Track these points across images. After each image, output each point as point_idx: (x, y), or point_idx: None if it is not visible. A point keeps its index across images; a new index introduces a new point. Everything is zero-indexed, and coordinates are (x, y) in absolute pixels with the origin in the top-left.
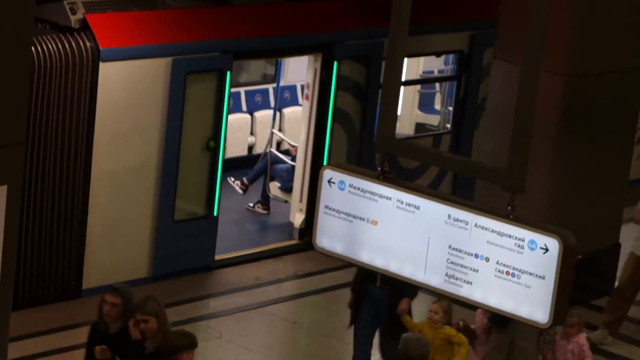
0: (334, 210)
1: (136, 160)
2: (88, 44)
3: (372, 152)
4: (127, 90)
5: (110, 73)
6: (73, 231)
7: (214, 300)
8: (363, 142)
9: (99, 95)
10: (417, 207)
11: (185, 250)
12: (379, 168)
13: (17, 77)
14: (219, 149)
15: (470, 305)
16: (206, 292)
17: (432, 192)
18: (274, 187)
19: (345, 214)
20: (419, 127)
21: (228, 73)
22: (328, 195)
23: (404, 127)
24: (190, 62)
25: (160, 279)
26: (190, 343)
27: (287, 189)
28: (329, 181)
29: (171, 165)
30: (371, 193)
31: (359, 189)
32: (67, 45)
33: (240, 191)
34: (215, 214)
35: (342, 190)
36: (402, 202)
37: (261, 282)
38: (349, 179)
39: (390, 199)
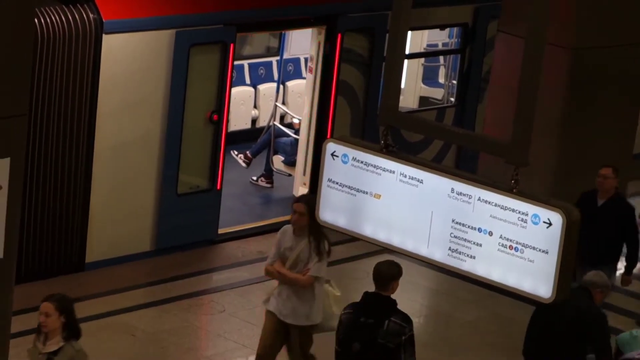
0: (337, 183)
1: (139, 133)
2: (91, 15)
3: (375, 126)
4: (130, 62)
5: (113, 45)
6: (76, 204)
7: (217, 274)
8: (367, 116)
9: (102, 67)
10: (421, 181)
11: (188, 223)
12: (382, 141)
13: (20, 48)
14: (222, 122)
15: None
16: (209, 266)
17: (435, 165)
18: (278, 161)
19: (349, 187)
20: (423, 100)
21: (231, 45)
22: (331, 168)
23: (408, 100)
24: (193, 34)
25: (163, 253)
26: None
27: (290, 162)
28: (332, 154)
29: (174, 138)
30: (374, 166)
31: (362, 162)
32: (70, 17)
33: (243, 164)
34: (218, 187)
35: (345, 163)
36: (405, 176)
37: (264, 256)
38: (352, 152)
39: (393, 172)
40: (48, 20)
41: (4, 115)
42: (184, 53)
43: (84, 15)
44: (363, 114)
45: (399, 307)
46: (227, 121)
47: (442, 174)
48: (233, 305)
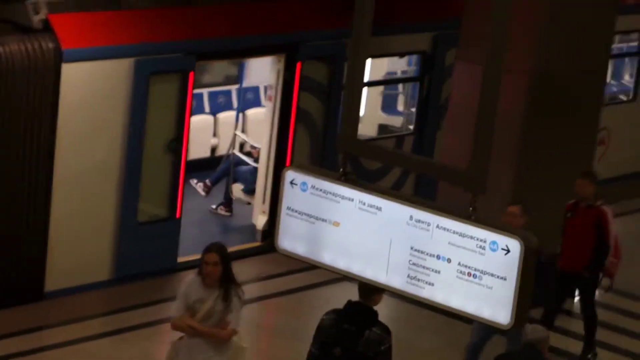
0: (296, 211)
1: (99, 160)
2: (50, 44)
3: (335, 154)
4: (90, 91)
5: (72, 74)
6: (35, 233)
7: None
8: (326, 144)
9: (62, 95)
10: (379, 208)
11: (148, 251)
12: (341, 169)
13: None
14: (181, 151)
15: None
16: (169, 295)
17: (394, 193)
18: (237, 189)
19: (308, 215)
20: (382, 128)
21: (191, 74)
22: (290, 196)
23: (367, 128)
24: (152, 62)
25: (123, 281)
26: None
27: (250, 190)
28: (292, 182)
29: (134, 166)
30: (333, 194)
31: (321, 190)
32: (29, 46)
33: (202, 193)
34: (178, 215)
35: (304, 191)
36: (364, 203)
37: None
38: (311, 180)
39: (352, 200)
40: (8, 49)
41: None
42: (143, 81)
43: (43, 45)
44: (322, 142)
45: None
46: (187, 149)
47: (401, 201)
48: None
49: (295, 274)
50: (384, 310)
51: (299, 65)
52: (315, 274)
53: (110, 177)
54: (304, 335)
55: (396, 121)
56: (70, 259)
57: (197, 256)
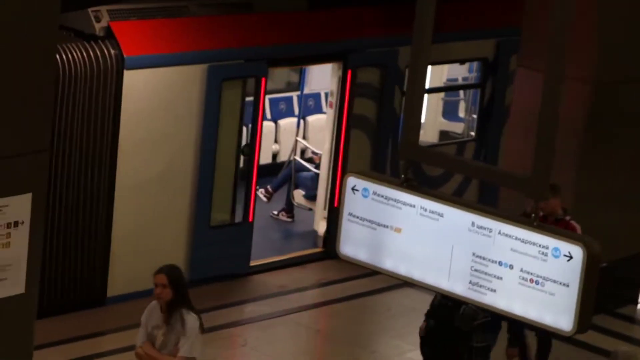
0: (357, 217)
1: (163, 166)
2: (112, 51)
3: (394, 160)
4: (152, 97)
5: (134, 81)
6: (98, 239)
7: (239, 308)
8: (386, 150)
9: (124, 102)
10: (441, 215)
11: (221, 256)
12: (403, 175)
13: (41, 85)
14: (254, 156)
15: None
16: (231, 300)
17: (455, 199)
18: (298, 195)
19: (369, 221)
20: (443, 134)
21: (263, 80)
22: (352, 202)
23: (428, 134)
24: (226, 68)
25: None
26: None
27: (311, 196)
28: (353, 188)
29: (208, 171)
30: (395, 200)
31: (382, 196)
32: (91, 53)
33: (264, 199)
34: (250, 219)
35: (365, 197)
36: (426, 210)
37: (286, 290)
38: (373, 186)
39: (414, 206)
40: (70, 56)
41: (25, 151)
42: (216, 87)
43: (105, 52)
44: (383, 148)
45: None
46: (259, 154)
47: (463, 207)
48: (254, 339)
49: (356, 280)
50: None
51: (349, 73)
52: (376, 280)
53: (183, 182)
54: (364, 341)
55: (457, 127)
56: (133, 264)
57: (264, 260)
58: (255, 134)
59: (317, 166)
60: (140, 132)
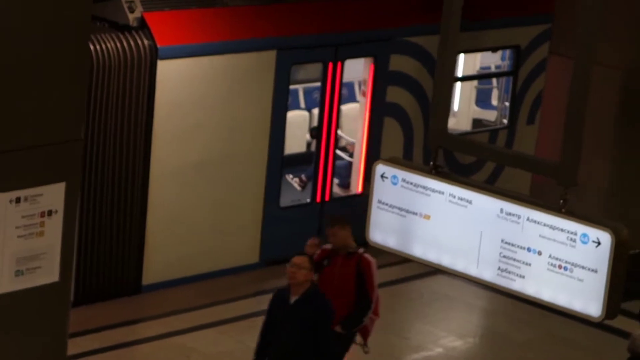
0: (387, 204)
1: (198, 155)
2: (146, 42)
3: (427, 148)
4: (187, 86)
5: (167, 70)
6: (132, 227)
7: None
8: (419, 138)
9: (157, 92)
10: (470, 202)
11: (291, 237)
12: (432, 162)
13: (74, 74)
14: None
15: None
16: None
17: (484, 186)
18: (332, 184)
19: (398, 208)
20: (476, 122)
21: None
22: (381, 189)
23: (461, 122)
24: (295, 54)
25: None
26: None
27: (344, 185)
28: (382, 176)
29: (277, 152)
30: (424, 187)
31: (411, 183)
32: (125, 44)
33: (298, 188)
34: (318, 200)
35: (395, 184)
36: (455, 197)
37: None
38: (402, 174)
39: (442, 193)
40: (104, 46)
41: (59, 140)
42: (285, 72)
43: (139, 42)
44: (416, 135)
45: (452, 327)
46: (336, 136)
47: (491, 194)
48: None
49: (390, 267)
50: (480, 303)
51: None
52: (409, 267)
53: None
54: (397, 328)
55: (490, 115)
56: (168, 253)
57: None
58: (323, 116)
59: (351, 155)
60: (175, 120)
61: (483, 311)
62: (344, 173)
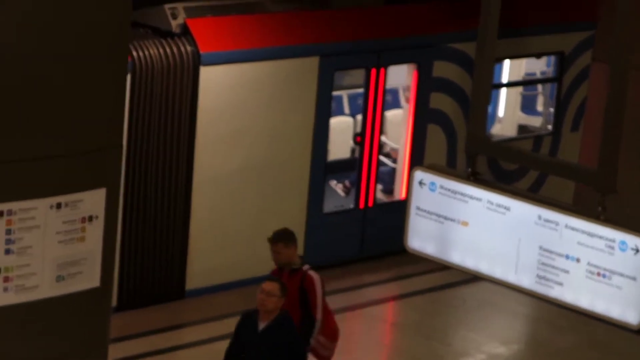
0: (425, 211)
1: (241, 161)
2: (189, 48)
3: None
4: (229, 93)
5: (210, 77)
6: (176, 233)
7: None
8: (462, 144)
9: (200, 98)
10: (508, 208)
11: (334, 243)
12: (469, 169)
13: (114, 80)
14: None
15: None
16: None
17: (522, 192)
18: (376, 190)
19: (436, 215)
20: (521, 128)
21: (374, 70)
22: (419, 196)
23: (507, 128)
24: (338, 60)
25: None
26: None
27: (388, 190)
28: (420, 182)
29: (320, 161)
30: (462, 194)
31: (449, 190)
32: (168, 50)
33: (342, 194)
34: (361, 207)
35: (433, 191)
36: (492, 203)
37: (362, 284)
38: (440, 180)
39: (480, 200)
40: (147, 52)
41: (99, 146)
42: (329, 78)
43: (182, 48)
44: (460, 142)
45: (495, 334)
46: (380, 142)
47: (529, 201)
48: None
49: (432, 274)
50: (522, 309)
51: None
52: (450, 274)
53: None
54: (440, 336)
55: (535, 121)
56: (212, 258)
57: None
58: (365, 123)
59: (395, 161)
60: (218, 126)
61: (525, 318)
62: (388, 179)
